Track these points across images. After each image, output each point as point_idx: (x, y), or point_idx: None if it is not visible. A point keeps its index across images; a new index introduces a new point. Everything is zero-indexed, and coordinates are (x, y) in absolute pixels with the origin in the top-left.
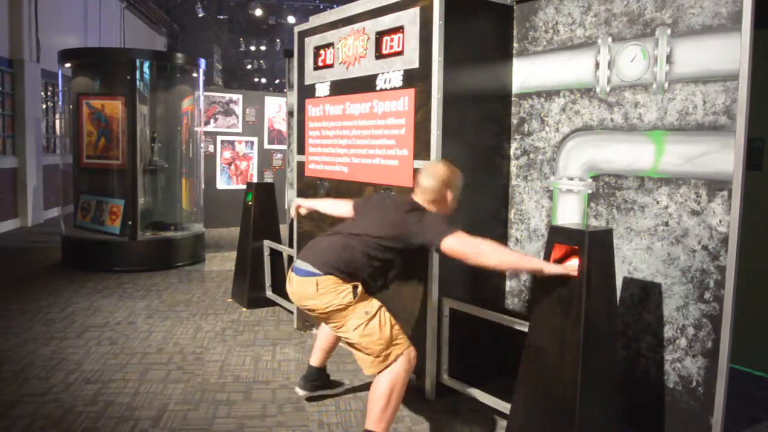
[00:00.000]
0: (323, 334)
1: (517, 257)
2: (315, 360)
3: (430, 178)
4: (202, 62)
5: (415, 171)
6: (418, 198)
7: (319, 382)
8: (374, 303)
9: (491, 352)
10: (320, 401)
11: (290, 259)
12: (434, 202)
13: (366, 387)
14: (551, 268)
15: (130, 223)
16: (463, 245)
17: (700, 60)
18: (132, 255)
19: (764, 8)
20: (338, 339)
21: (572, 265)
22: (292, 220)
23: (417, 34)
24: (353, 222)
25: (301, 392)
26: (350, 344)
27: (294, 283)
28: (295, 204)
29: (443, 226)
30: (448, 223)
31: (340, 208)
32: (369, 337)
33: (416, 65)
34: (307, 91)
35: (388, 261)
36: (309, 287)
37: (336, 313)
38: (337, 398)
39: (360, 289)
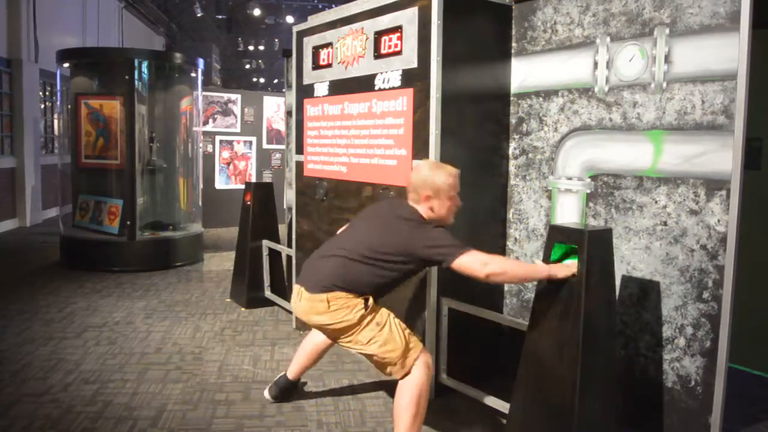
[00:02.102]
0: (306, 352)
1: (524, 270)
2: (292, 373)
3: (435, 176)
4: (201, 62)
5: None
6: (422, 206)
7: (289, 393)
8: (383, 312)
9: (490, 351)
10: (319, 401)
11: (289, 259)
12: (433, 201)
13: (364, 387)
14: (555, 272)
15: (128, 223)
16: (475, 262)
17: (698, 60)
18: (130, 255)
19: (762, 8)
20: (319, 358)
21: (572, 263)
22: (290, 219)
23: (415, 34)
24: (351, 238)
25: (268, 396)
26: (367, 355)
27: (303, 299)
28: None
29: (455, 243)
30: (456, 239)
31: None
32: (385, 347)
33: (415, 65)
34: (305, 91)
35: (393, 277)
36: (320, 305)
37: (347, 328)
38: (336, 398)
39: (371, 301)
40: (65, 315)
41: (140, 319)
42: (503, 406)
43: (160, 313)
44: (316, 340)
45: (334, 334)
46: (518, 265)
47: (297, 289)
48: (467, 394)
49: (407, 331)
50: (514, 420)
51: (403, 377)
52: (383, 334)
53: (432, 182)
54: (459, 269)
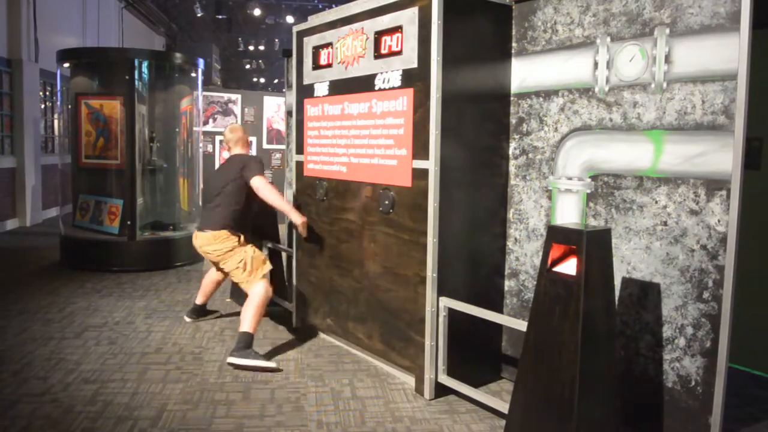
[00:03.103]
0: (207, 282)
1: (283, 205)
2: (199, 299)
3: (236, 132)
4: (201, 62)
5: (414, 171)
6: (240, 149)
7: (202, 314)
8: (248, 248)
9: (489, 351)
10: (319, 401)
11: (289, 258)
12: (243, 144)
13: (364, 387)
14: (294, 217)
15: (128, 222)
16: (260, 184)
17: (698, 60)
18: (131, 255)
19: (762, 8)
20: (218, 285)
21: (300, 219)
22: (290, 220)
23: (416, 34)
24: (212, 190)
25: (188, 319)
26: (233, 271)
27: (198, 237)
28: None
29: (257, 169)
30: (260, 168)
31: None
32: (240, 269)
33: (415, 65)
34: (305, 91)
35: (243, 201)
36: (209, 239)
37: (224, 253)
38: (336, 398)
39: (242, 239)
40: (65, 315)
41: (140, 318)
42: (502, 406)
43: (160, 313)
44: (212, 275)
45: (217, 258)
46: (281, 200)
47: (195, 234)
48: (466, 394)
49: (262, 265)
50: (514, 420)
51: (250, 289)
52: (243, 262)
53: (246, 136)
54: (252, 186)
